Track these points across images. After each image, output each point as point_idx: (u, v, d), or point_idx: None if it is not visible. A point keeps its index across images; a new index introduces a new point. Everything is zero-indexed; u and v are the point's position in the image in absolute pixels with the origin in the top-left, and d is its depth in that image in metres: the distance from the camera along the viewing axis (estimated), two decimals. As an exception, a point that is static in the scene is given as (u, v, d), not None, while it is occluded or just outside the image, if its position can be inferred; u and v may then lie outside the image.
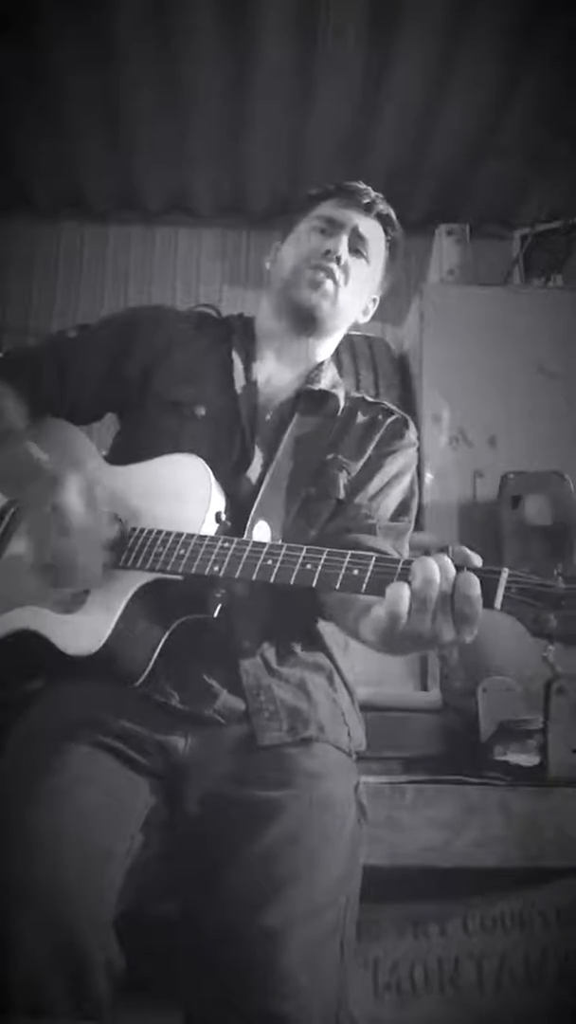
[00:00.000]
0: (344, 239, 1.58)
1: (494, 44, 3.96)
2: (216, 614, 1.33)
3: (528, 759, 2.01)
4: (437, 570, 1.10)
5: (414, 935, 1.86)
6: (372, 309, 1.71)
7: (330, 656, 1.49)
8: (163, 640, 1.32)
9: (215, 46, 4.06)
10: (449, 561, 1.11)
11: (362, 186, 1.64)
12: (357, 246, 1.60)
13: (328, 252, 1.57)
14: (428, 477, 2.83)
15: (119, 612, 1.29)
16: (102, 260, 5.61)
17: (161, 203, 5.44)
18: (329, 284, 1.56)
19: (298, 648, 1.45)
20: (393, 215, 1.65)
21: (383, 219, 1.63)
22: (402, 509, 1.56)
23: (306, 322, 1.59)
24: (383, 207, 1.63)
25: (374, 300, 1.70)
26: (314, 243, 1.59)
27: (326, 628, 1.49)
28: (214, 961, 1.17)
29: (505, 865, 1.78)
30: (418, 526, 1.70)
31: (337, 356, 3.06)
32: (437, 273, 3.38)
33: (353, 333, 3.39)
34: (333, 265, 1.56)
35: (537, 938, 1.89)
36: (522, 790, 1.83)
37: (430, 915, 1.87)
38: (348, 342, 3.19)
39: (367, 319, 1.71)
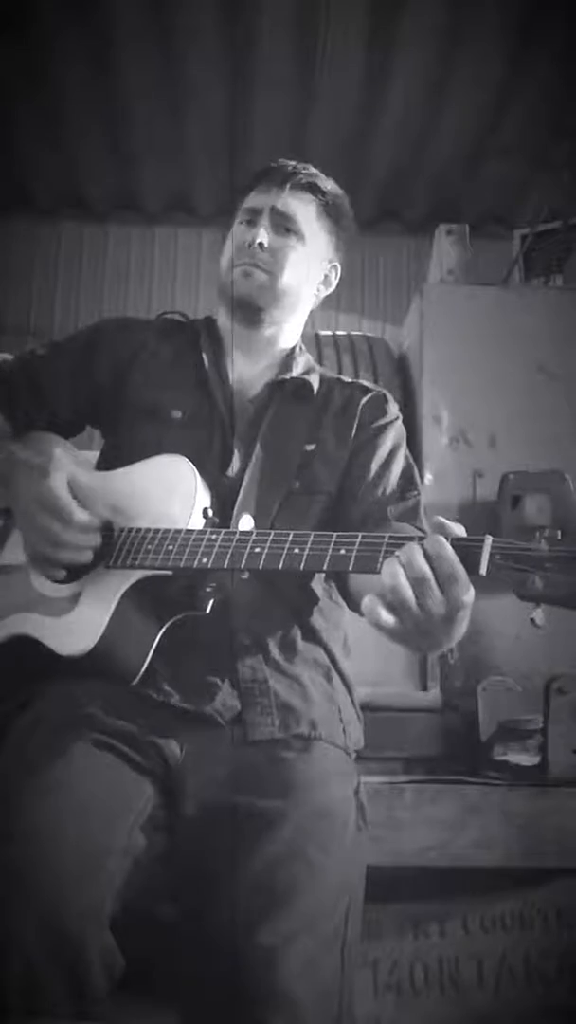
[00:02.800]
0: (263, 225, 1.56)
1: (494, 44, 3.97)
2: (208, 610, 1.33)
3: (528, 759, 2.01)
4: (416, 541, 1.11)
5: (414, 935, 1.86)
6: (334, 277, 1.67)
7: (329, 653, 1.48)
8: (157, 638, 1.32)
9: (215, 46, 4.07)
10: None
11: (280, 163, 1.61)
12: (283, 225, 1.57)
13: (249, 244, 1.55)
14: (428, 477, 2.82)
15: (111, 611, 1.29)
16: (102, 260, 5.62)
17: (161, 203, 5.45)
18: (258, 273, 1.55)
19: (296, 645, 1.45)
20: (320, 180, 1.60)
21: (307, 187, 1.59)
22: (407, 484, 1.55)
23: (251, 314, 1.57)
24: (304, 176, 1.59)
25: (334, 267, 1.66)
26: (238, 238, 1.58)
27: (324, 624, 1.49)
28: (211, 970, 1.17)
29: (505, 865, 1.78)
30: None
31: (337, 356, 3.11)
32: (437, 273, 3.38)
33: (354, 333, 3.41)
34: (257, 254, 1.55)
35: (537, 938, 1.89)
36: (522, 790, 1.83)
37: (430, 915, 1.87)
38: (348, 342, 3.19)
39: (331, 289, 1.68)
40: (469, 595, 1.09)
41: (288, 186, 1.57)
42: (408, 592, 1.08)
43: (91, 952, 1.12)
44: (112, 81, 4.31)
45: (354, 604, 1.46)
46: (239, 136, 4.70)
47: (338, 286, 1.70)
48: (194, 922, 1.22)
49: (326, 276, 1.66)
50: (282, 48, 4.07)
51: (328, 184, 1.61)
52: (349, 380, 1.66)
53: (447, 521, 1.12)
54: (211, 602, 1.33)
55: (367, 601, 1.11)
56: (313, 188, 1.59)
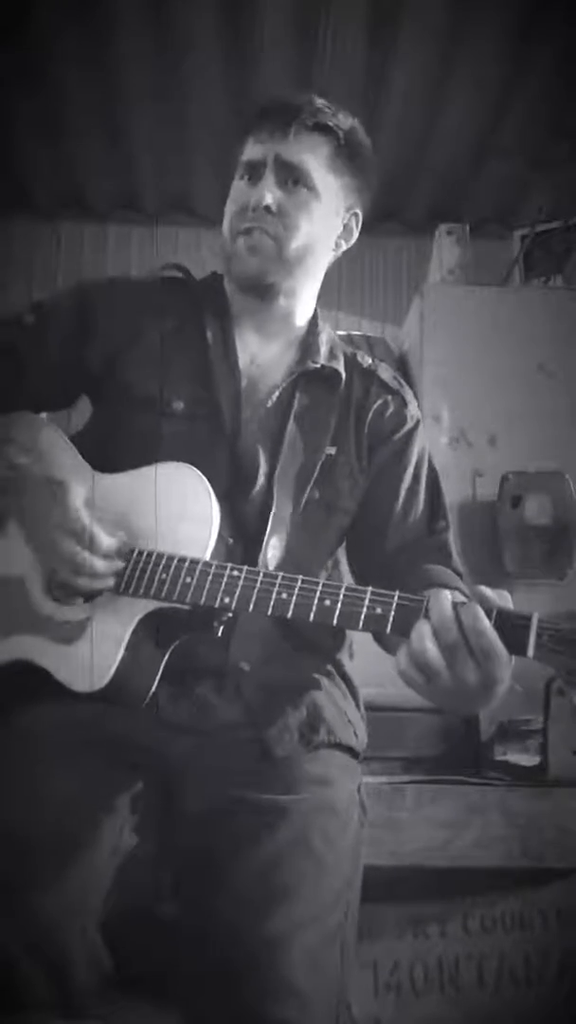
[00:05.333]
0: (268, 180, 1.36)
1: (494, 44, 3.96)
2: (220, 634, 1.28)
3: (528, 759, 2.01)
4: (450, 604, 1.06)
5: (414, 935, 1.86)
6: (356, 225, 1.47)
7: (332, 660, 1.47)
8: (164, 662, 1.27)
9: (215, 46, 4.06)
10: (450, 596, 1.07)
11: (281, 100, 1.39)
12: (290, 177, 1.36)
13: (253, 208, 1.36)
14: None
15: (124, 643, 1.23)
16: (102, 260, 5.61)
17: (161, 203, 5.44)
18: (266, 243, 1.35)
19: (300, 653, 1.42)
20: (329, 117, 1.37)
21: (315, 128, 1.37)
22: (435, 510, 1.48)
23: (261, 291, 1.40)
24: (310, 117, 1.36)
25: (355, 214, 1.46)
26: (238, 197, 1.39)
27: (326, 638, 1.46)
28: (214, 964, 1.16)
29: (505, 865, 1.78)
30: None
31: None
32: (437, 273, 3.38)
33: (354, 333, 3.40)
34: (263, 218, 1.35)
35: (537, 938, 1.89)
36: (522, 790, 1.83)
37: (430, 915, 1.87)
38: (348, 342, 3.19)
39: (352, 240, 1.48)
40: (507, 671, 1.05)
41: (293, 130, 1.36)
42: (436, 659, 1.05)
43: (74, 950, 1.11)
44: (112, 81, 4.31)
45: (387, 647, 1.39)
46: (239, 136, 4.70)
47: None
48: (197, 916, 1.21)
49: (346, 226, 1.47)
50: (282, 48, 4.07)
51: (339, 118, 1.39)
52: (367, 365, 1.50)
53: (489, 592, 1.07)
54: (222, 628, 1.27)
55: (399, 657, 1.08)
56: (322, 128, 1.37)
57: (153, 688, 1.26)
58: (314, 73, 4.22)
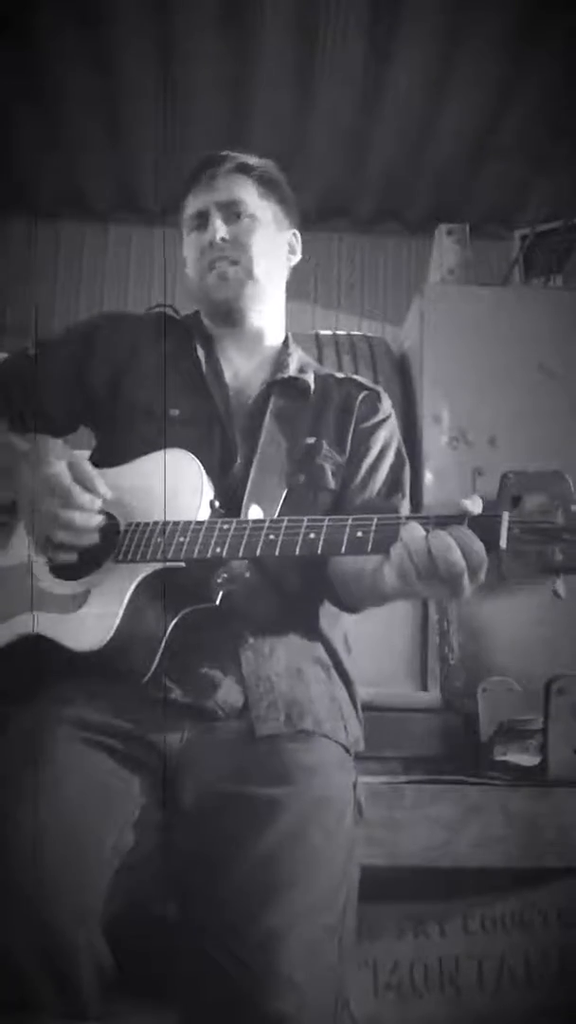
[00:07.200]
0: (215, 222, 1.57)
1: (494, 44, 3.97)
2: (219, 602, 1.32)
3: (528, 759, 2.01)
4: (420, 528, 1.16)
5: (414, 935, 1.86)
6: (297, 243, 1.69)
7: (330, 650, 1.49)
8: (167, 633, 1.31)
9: (215, 46, 4.07)
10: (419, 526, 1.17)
11: (201, 158, 1.63)
12: (233, 212, 1.58)
13: (210, 245, 1.57)
14: (428, 476, 2.83)
15: (124, 604, 1.28)
16: (102, 260, 5.62)
17: (160, 203, 5.44)
18: (231, 269, 1.56)
19: (298, 641, 1.45)
20: (244, 158, 1.61)
21: (236, 170, 1.60)
22: (393, 486, 1.57)
23: (233, 315, 1.59)
24: (228, 164, 1.60)
25: (294, 234, 1.68)
26: (196, 243, 1.60)
27: (324, 621, 1.49)
28: (213, 960, 1.17)
29: (505, 865, 1.78)
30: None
31: (337, 356, 3.11)
32: (437, 273, 3.38)
33: (354, 333, 3.41)
34: (222, 249, 1.56)
35: (537, 938, 1.89)
36: (522, 790, 1.83)
37: (430, 915, 1.87)
38: (348, 342, 3.20)
39: (298, 257, 1.69)
40: (480, 573, 1.15)
41: (219, 176, 1.59)
42: (413, 572, 1.14)
43: (78, 951, 1.12)
44: (112, 81, 4.31)
45: (330, 591, 1.47)
46: (239, 136, 4.70)
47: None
48: (197, 911, 1.22)
49: (289, 244, 1.67)
50: (282, 48, 4.07)
51: (252, 159, 1.63)
52: (342, 376, 1.67)
53: (465, 501, 1.17)
54: (221, 593, 1.32)
55: (387, 570, 1.17)
56: (243, 168, 1.61)
57: (156, 661, 1.30)
58: (314, 73, 4.23)
